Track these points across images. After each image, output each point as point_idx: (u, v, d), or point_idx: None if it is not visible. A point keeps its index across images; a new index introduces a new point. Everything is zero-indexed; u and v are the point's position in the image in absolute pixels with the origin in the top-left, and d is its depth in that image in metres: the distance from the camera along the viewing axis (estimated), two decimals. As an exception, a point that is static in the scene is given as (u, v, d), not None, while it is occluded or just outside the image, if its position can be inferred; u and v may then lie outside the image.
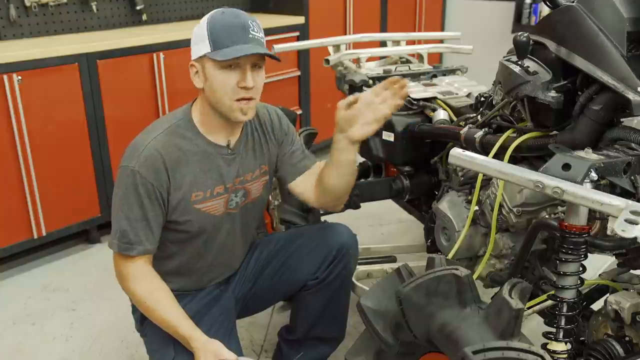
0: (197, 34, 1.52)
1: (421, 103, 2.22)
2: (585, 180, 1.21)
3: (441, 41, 2.96)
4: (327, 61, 2.60)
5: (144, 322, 1.71)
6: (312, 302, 1.83)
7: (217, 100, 1.53)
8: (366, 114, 1.60)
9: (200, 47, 1.50)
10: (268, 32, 3.40)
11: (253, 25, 1.51)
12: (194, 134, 1.59)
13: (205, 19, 1.52)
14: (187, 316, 1.57)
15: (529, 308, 1.52)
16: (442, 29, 5.05)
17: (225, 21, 1.49)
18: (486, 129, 1.81)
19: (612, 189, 1.27)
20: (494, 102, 1.84)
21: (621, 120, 1.39)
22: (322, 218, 2.38)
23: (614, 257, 1.61)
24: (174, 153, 1.55)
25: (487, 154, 1.63)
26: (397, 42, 2.85)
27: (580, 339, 1.53)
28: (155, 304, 1.56)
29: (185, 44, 3.12)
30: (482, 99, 1.98)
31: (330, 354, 1.96)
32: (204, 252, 1.70)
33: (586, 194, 1.13)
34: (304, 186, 1.77)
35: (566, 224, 1.29)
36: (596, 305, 1.63)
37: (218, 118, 1.58)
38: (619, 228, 1.04)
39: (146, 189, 1.52)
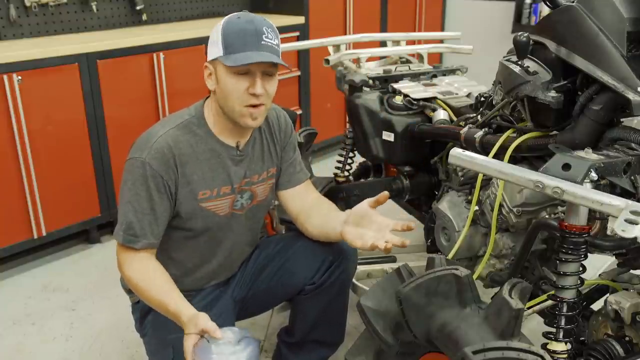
0: (213, 36, 1.52)
1: (421, 103, 2.22)
2: (585, 180, 1.21)
3: (441, 41, 2.96)
4: (327, 61, 2.60)
5: (143, 322, 1.71)
6: (309, 306, 1.82)
7: (227, 105, 1.54)
8: (369, 231, 1.57)
9: (214, 49, 1.51)
10: (268, 32, 3.40)
11: (268, 31, 1.50)
12: (205, 133, 1.60)
13: (221, 21, 1.52)
14: (179, 294, 1.51)
15: (529, 308, 1.52)
16: (442, 29, 5.05)
17: (238, 26, 1.49)
18: (486, 129, 1.81)
19: (612, 189, 1.27)
20: (494, 102, 1.84)
21: (621, 120, 1.39)
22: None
23: (614, 257, 1.62)
24: (185, 149, 1.55)
25: (487, 154, 1.63)
26: (397, 42, 2.85)
27: (580, 339, 1.54)
28: (148, 284, 1.52)
29: (185, 44, 3.19)
30: (482, 99, 1.98)
31: (329, 357, 1.96)
32: (207, 251, 1.70)
33: (586, 194, 1.13)
34: (290, 200, 1.80)
35: (566, 224, 1.29)
36: (596, 305, 1.63)
37: (227, 120, 1.59)
38: (619, 228, 1.04)
39: (155, 181, 1.52)
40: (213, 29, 1.53)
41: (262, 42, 1.48)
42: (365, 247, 1.54)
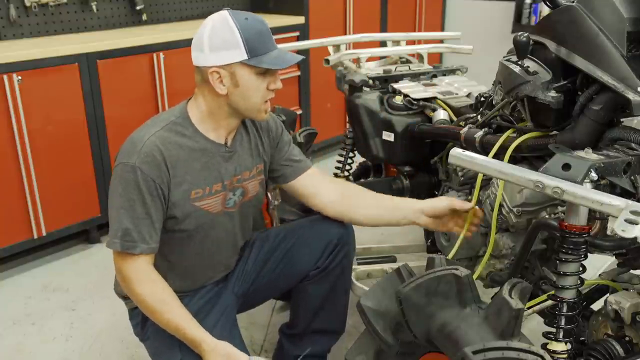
0: (226, 40, 1.49)
1: (421, 103, 2.22)
2: (585, 180, 1.21)
3: (441, 41, 2.96)
4: (327, 61, 2.60)
5: (145, 325, 1.70)
6: (313, 292, 1.84)
7: (248, 103, 1.57)
8: (448, 219, 1.78)
9: (233, 54, 1.50)
10: (268, 32, 3.41)
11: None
12: (192, 132, 1.59)
13: (229, 24, 1.49)
14: (193, 318, 1.56)
15: (529, 308, 1.52)
16: (442, 29, 5.05)
17: (256, 28, 1.52)
18: (486, 129, 1.81)
19: (612, 189, 1.27)
20: (494, 102, 1.84)
21: (621, 120, 1.39)
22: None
23: (614, 257, 1.62)
24: (174, 150, 1.55)
25: (487, 154, 1.62)
26: (397, 42, 2.85)
27: (580, 339, 1.54)
28: (161, 306, 1.54)
29: (185, 44, 3.18)
30: (482, 99, 1.98)
31: (331, 347, 1.96)
32: (202, 251, 1.70)
33: (586, 194, 1.13)
34: (308, 186, 1.82)
35: (566, 224, 1.29)
36: (596, 305, 1.63)
37: (228, 119, 1.61)
38: (619, 228, 1.04)
39: (148, 185, 1.51)
40: (215, 34, 1.50)
41: (274, 40, 1.56)
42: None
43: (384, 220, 1.82)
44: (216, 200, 1.65)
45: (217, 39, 1.50)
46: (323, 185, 1.83)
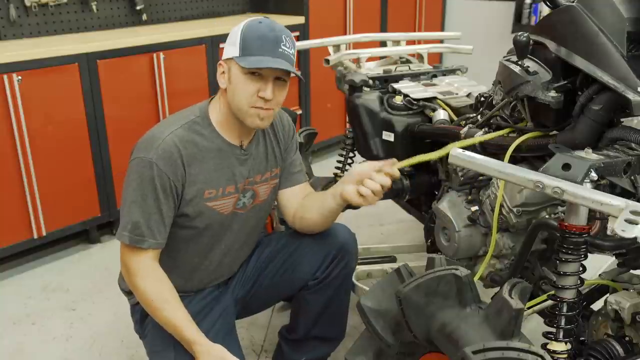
0: (231, 36, 1.55)
1: (421, 103, 2.22)
2: (585, 180, 1.21)
3: (441, 41, 2.96)
4: (327, 61, 2.60)
5: (143, 323, 1.71)
6: (312, 301, 1.83)
7: (234, 103, 1.56)
8: (366, 183, 1.58)
9: (231, 49, 1.54)
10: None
11: (286, 40, 1.54)
12: (210, 132, 1.61)
13: (242, 23, 1.55)
14: (191, 319, 1.57)
15: (529, 308, 1.52)
16: (442, 29, 5.05)
17: (259, 31, 1.52)
18: (486, 129, 1.81)
19: (612, 189, 1.27)
20: (494, 102, 1.84)
21: (621, 120, 1.39)
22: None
23: (614, 257, 1.62)
24: (191, 149, 1.56)
25: (487, 154, 1.62)
26: (397, 42, 2.85)
27: (580, 339, 1.54)
28: (162, 304, 1.55)
29: (185, 44, 3.19)
30: (482, 99, 1.98)
31: (330, 353, 1.96)
32: (209, 251, 1.70)
33: (586, 194, 1.13)
34: (287, 199, 1.82)
35: (566, 224, 1.29)
36: (596, 305, 1.63)
37: (234, 120, 1.61)
38: (619, 228, 1.04)
39: (162, 181, 1.52)
40: (232, 30, 1.56)
41: (280, 50, 1.52)
42: (367, 201, 1.58)
43: (323, 209, 1.71)
44: (228, 201, 1.66)
45: (229, 36, 1.56)
46: (295, 200, 1.81)
